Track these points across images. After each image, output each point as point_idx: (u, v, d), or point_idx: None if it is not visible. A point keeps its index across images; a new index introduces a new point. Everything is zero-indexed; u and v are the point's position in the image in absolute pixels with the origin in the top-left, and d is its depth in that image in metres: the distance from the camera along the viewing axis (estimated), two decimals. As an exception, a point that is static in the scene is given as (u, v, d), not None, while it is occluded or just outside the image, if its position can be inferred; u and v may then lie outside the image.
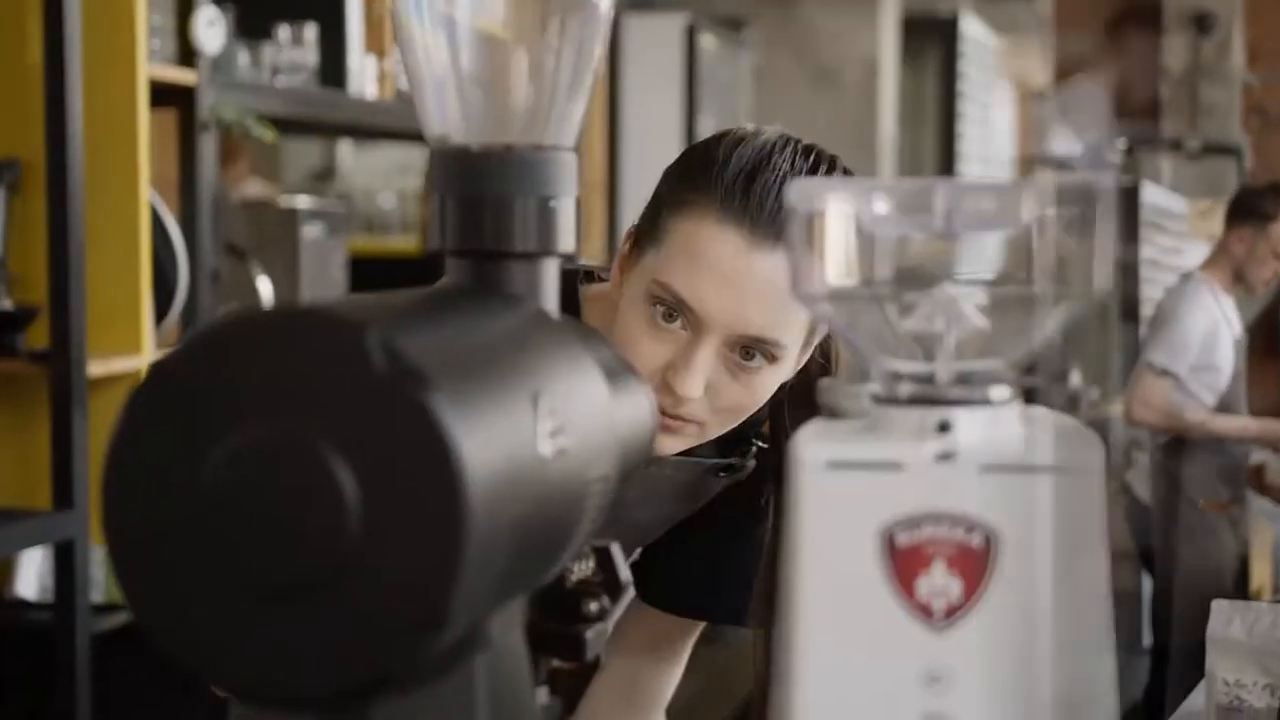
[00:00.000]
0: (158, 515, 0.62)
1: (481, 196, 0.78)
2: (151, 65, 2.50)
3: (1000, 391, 0.69)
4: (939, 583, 0.66)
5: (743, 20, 6.24)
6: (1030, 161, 9.31)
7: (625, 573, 0.87)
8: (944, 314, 0.70)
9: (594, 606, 0.83)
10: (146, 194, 2.44)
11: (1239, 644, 1.87)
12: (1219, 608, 1.91)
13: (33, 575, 2.49)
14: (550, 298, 0.79)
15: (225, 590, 0.61)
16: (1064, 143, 4.48)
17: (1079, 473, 0.66)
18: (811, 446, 0.68)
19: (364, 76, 3.12)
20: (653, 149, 4.23)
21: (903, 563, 0.66)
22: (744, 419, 1.30)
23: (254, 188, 4.02)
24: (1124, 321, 6.82)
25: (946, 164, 7.15)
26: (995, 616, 0.66)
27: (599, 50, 0.82)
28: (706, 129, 6.02)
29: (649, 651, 1.50)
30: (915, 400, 0.69)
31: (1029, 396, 0.71)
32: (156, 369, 0.62)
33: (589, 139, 4.34)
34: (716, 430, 1.30)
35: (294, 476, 0.59)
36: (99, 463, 2.01)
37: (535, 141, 0.80)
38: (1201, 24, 9.30)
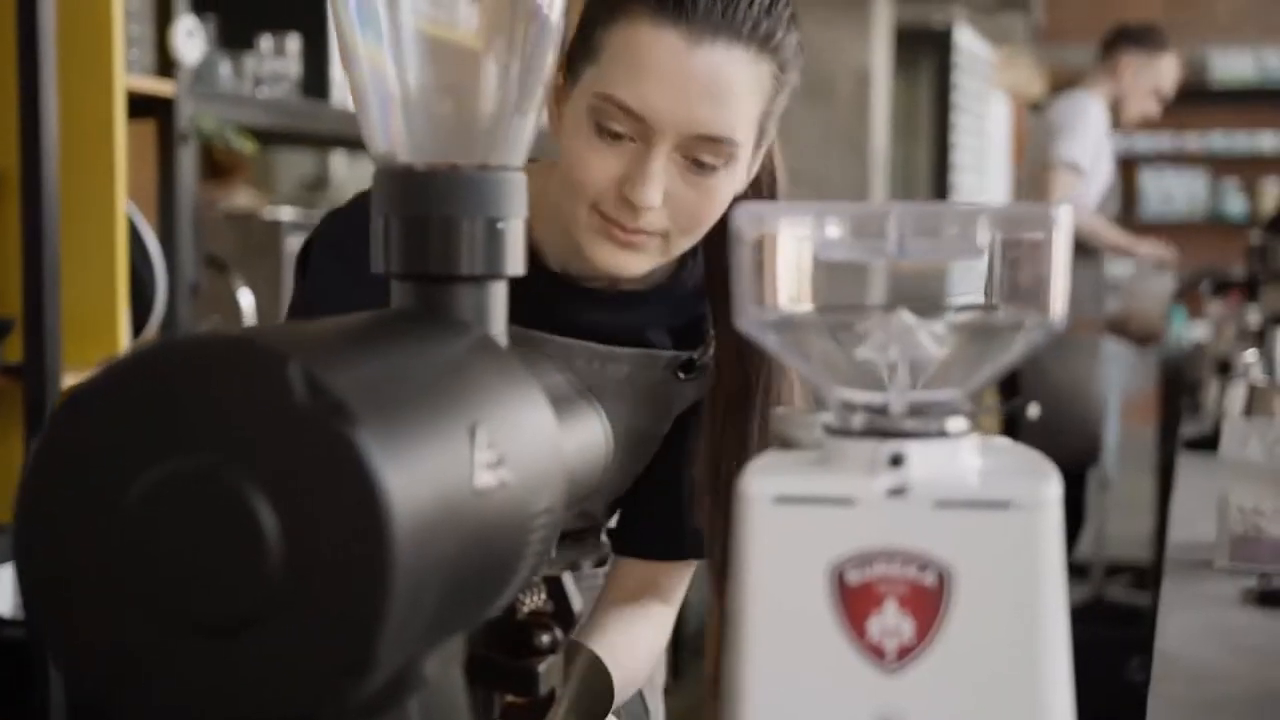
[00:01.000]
0: (74, 546, 0.59)
1: (427, 217, 0.75)
2: (130, 76, 2.47)
3: (956, 423, 0.67)
4: (891, 622, 0.64)
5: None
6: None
7: (578, 602, 0.85)
8: (898, 343, 0.67)
9: (546, 639, 0.81)
10: (124, 205, 2.41)
11: (1256, 466, 1.76)
12: (1233, 426, 1.80)
13: (7, 590, 2.47)
14: (498, 321, 0.77)
15: (143, 626, 0.58)
16: None
17: (1035, 508, 0.64)
18: (759, 480, 0.65)
19: (347, 87, 3.09)
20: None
21: (853, 602, 0.64)
22: (703, 230, 1.28)
23: (244, 198, 4.00)
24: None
25: (940, 175, 7.12)
26: (949, 658, 0.64)
27: (549, 64, 0.80)
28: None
29: (633, 601, 1.44)
30: (868, 432, 0.66)
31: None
32: (76, 395, 0.59)
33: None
34: (681, 244, 1.27)
35: (213, 511, 0.57)
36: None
37: (482, 161, 0.77)
38: None
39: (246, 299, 2.86)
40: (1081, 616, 5.15)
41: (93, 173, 2.38)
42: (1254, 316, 3.97)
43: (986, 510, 0.64)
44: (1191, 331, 5.87)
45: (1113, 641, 4.24)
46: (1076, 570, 5.32)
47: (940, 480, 0.65)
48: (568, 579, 0.83)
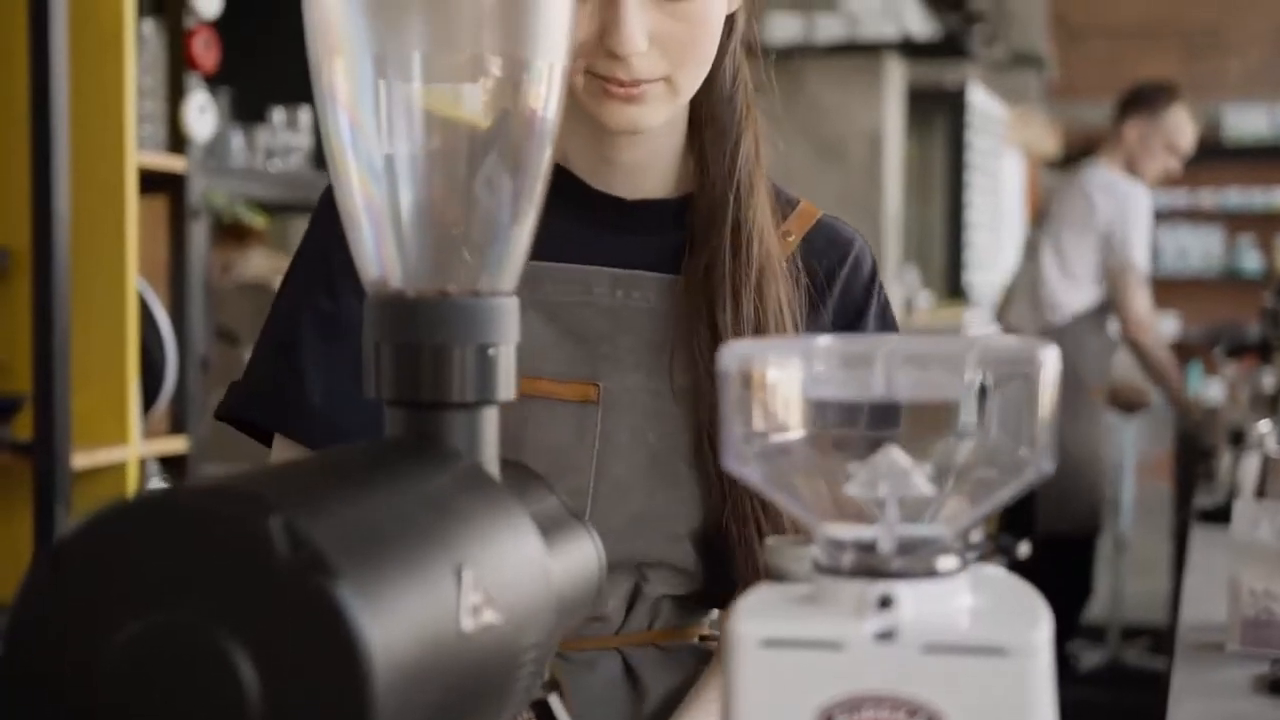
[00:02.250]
0: (55, 700, 0.59)
1: (418, 344, 0.75)
2: (142, 153, 2.48)
3: (947, 561, 0.66)
4: (880, 768, 0.63)
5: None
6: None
7: (568, 722, 0.84)
8: (887, 480, 0.67)
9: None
10: (135, 282, 2.42)
11: (1267, 548, 1.74)
12: (1242, 508, 1.78)
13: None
14: (489, 447, 0.77)
15: (126, 780, 0.58)
16: None
17: (1026, 654, 0.63)
18: (748, 623, 0.65)
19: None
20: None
21: (842, 746, 0.63)
22: (708, 62, 1.20)
23: (259, 261, 4.01)
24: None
25: (954, 234, 7.13)
26: (939, 804, 0.63)
27: (539, 187, 0.80)
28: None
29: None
30: (857, 571, 0.66)
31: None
32: (58, 547, 0.59)
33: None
34: (687, 83, 1.20)
35: (193, 667, 0.57)
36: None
37: (474, 287, 0.77)
38: None
39: (257, 371, 2.86)
40: (1098, 681, 5.10)
41: (104, 250, 2.39)
42: (1269, 379, 3.95)
43: (977, 655, 0.63)
44: (1207, 390, 5.86)
45: (1129, 707, 4.20)
46: (1093, 633, 5.29)
47: (930, 623, 0.64)
48: (555, 701, 0.82)
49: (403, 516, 0.65)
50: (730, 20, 1.26)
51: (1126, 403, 4.94)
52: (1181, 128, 4.42)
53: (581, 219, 1.27)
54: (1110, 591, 5.38)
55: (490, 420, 0.77)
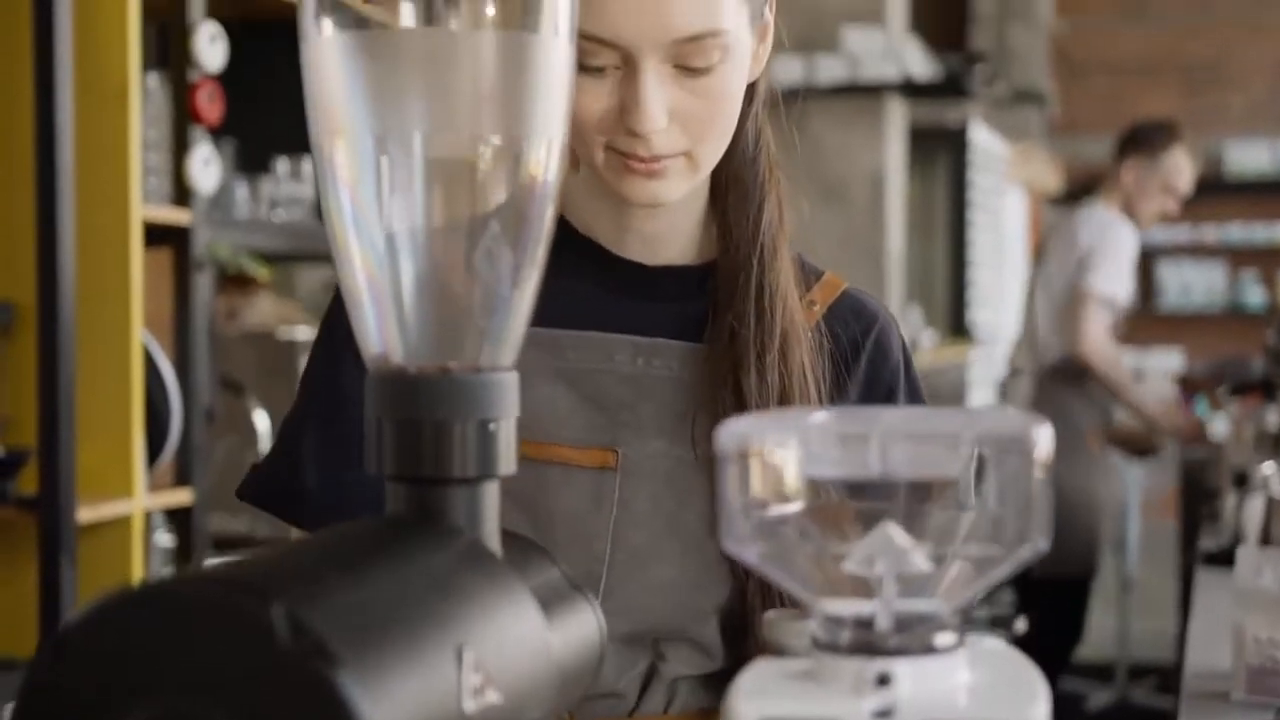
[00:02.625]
0: (61, 788, 0.59)
1: (419, 421, 0.76)
2: (147, 206, 2.50)
3: (944, 638, 0.67)
4: (880, 846, 0.63)
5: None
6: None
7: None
8: (884, 557, 0.67)
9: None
10: (139, 336, 2.43)
11: (1271, 595, 1.73)
12: (1246, 555, 1.77)
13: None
14: (490, 521, 0.77)
15: None
16: None
17: (1023, 731, 0.63)
18: (747, 701, 0.65)
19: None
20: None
21: (842, 825, 0.64)
22: (729, 135, 1.19)
23: (265, 306, 4.02)
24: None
25: (957, 272, 7.14)
26: None
27: (539, 260, 0.80)
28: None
29: None
30: (855, 649, 0.66)
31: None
32: (61, 635, 0.60)
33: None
34: (708, 157, 1.18)
35: (197, 755, 0.57)
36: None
37: (475, 362, 0.78)
38: None
39: (262, 421, 2.88)
40: (1106, 721, 5.06)
41: (109, 304, 2.40)
42: (1273, 417, 3.95)
43: (973, 733, 0.63)
44: (1212, 424, 5.85)
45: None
46: (1100, 672, 5.28)
47: (928, 700, 0.64)
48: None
49: (403, 598, 0.66)
50: (753, 85, 1.25)
51: (1131, 447, 4.93)
52: (1179, 169, 4.42)
53: (603, 286, 1.26)
54: (1116, 631, 5.37)
55: (491, 494, 0.78)
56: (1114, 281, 4.29)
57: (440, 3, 0.78)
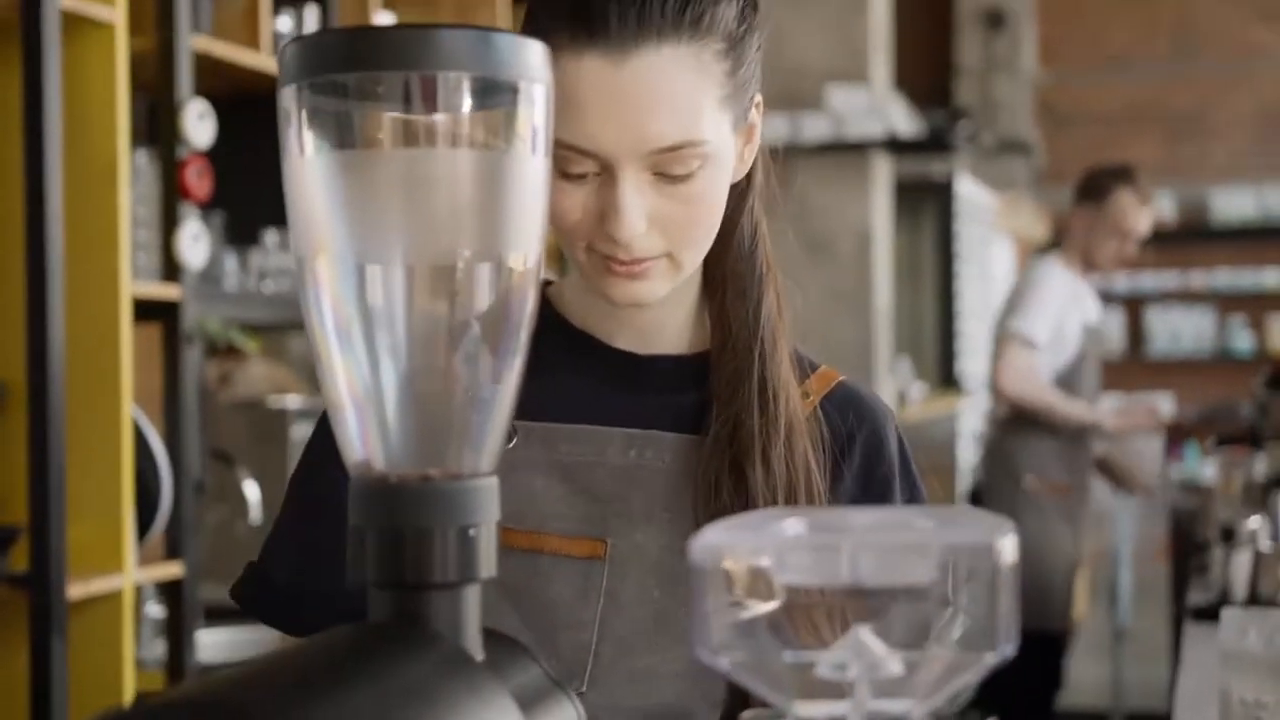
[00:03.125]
0: None
1: (401, 528, 0.77)
2: (136, 282, 2.52)
3: (916, 740, 0.68)
4: None
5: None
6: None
7: None
8: (857, 661, 0.69)
9: None
10: (129, 412, 2.45)
11: (1256, 657, 1.73)
12: (1230, 617, 1.76)
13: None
14: (471, 624, 0.79)
15: None
16: None
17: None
18: (722, 809, 0.67)
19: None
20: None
21: None
22: (710, 237, 1.18)
23: (257, 372, 4.04)
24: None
25: (945, 323, 7.17)
26: None
27: (518, 365, 0.82)
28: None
29: None
30: (828, 754, 0.68)
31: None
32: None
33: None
34: (690, 259, 1.18)
35: None
36: (79, 687, 1.97)
37: (455, 469, 0.80)
38: (994, 21, 9.41)
39: (253, 491, 2.89)
40: (1103, 769, 5.05)
41: (99, 380, 2.42)
42: (1260, 468, 3.96)
43: (944, 839, 0.65)
44: (1203, 470, 5.85)
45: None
46: (1095, 721, 5.28)
47: (900, 805, 0.66)
48: None
49: (384, 711, 0.67)
50: (749, 178, 1.26)
51: (1121, 482, 4.93)
52: (1126, 210, 4.37)
53: (597, 377, 1.27)
54: (1111, 679, 5.37)
55: (472, 598, 0.79)
56: (1035, 323, 4.26)
57: (419, 123, 0.80)
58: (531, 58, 0.79)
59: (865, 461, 1.28)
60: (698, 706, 1.23)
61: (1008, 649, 0.68)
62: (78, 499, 2.37)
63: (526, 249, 0.81)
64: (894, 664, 0.69)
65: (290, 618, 1.28)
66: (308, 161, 0.79)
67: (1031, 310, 4.27)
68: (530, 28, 1.16)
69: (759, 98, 1.24)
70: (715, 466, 1.22)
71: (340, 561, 0.82)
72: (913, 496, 1.30)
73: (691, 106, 1.14)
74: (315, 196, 0.79)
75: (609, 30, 1.11)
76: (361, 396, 0.80)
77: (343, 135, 0.80)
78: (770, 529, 0.70)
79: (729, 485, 1.21)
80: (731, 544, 0.69)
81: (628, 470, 1.24)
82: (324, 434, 1.28)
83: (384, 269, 0.79)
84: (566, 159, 1.14)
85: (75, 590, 2.34)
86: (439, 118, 0.79)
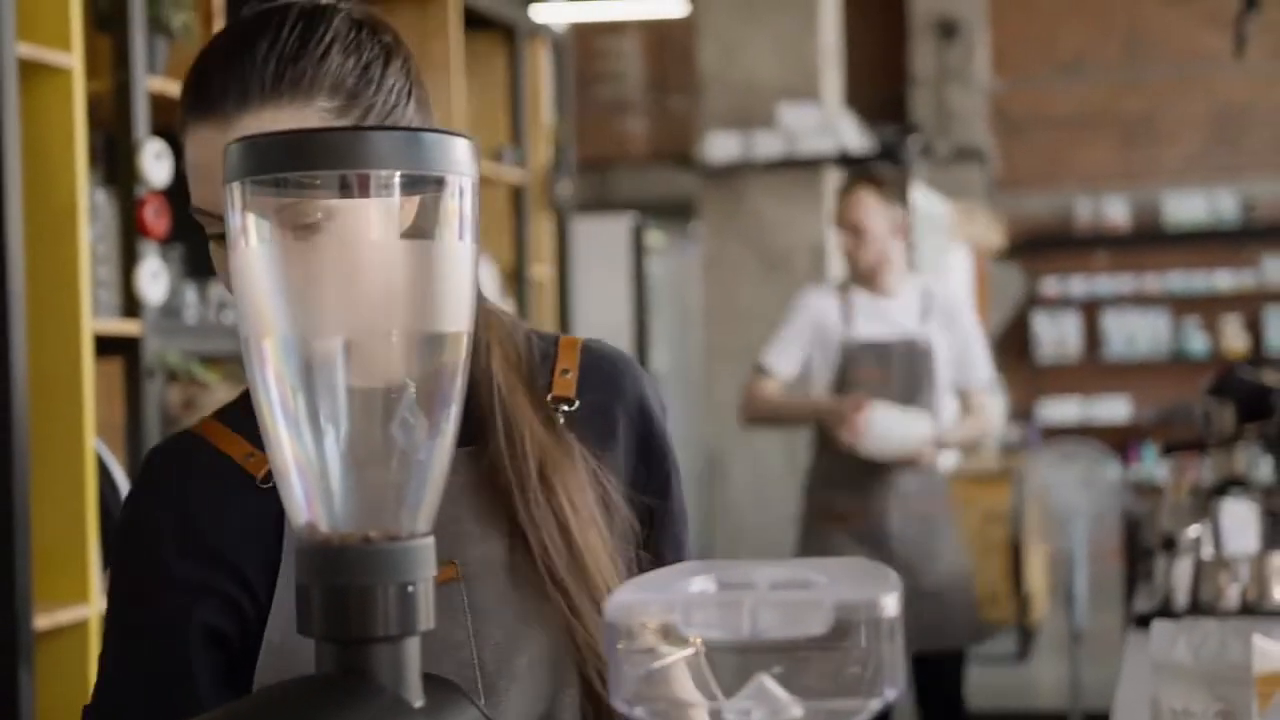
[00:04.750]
0: None
1: (345, 587, 0.84)
2: (97, 319, 2.57)
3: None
4: None
5: (691, 212, 6.43)
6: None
7: None
8: (759, 706, 0.76)
9: None
10: (92, 445, 2.50)
11: (1185, 668, 1.77)
12: (1161, 628, 1.82)
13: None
14: (412, 674, 0.85)
15: None
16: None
17: None
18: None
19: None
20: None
21: None
22: None
23: (221, 396, 4.07)
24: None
25: (903, 332, 7.24)
26: None
27: (451, 431, 0.89)
28: (658, 320, 6.15)
29: None
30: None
31: None
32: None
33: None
34: None
35: None
36: (46, 718, 2.01)
37: (395, 529, 0.86)
38: (946, 30, 9.52)
39: (215, 519, 2.93)
40: (1059, 773, 5.10)
41: (61, 415, 2.47)
42: (1208, 475, 4.03)
43: None
44: (1158, 471, 5.93)
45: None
46: (1054, 721, 5.36)
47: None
48: None
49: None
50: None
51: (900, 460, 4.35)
52: (842, 207, 4.15)
53: None
54: (1069, 682, 5.46)
55: (412, 649, 0.86)
56: (773, 352, 4.14)
57: (354, 215, 0.87)
58: (457, 153, 0.86)
59: (634, 426, 1.35)
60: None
61: (890, 694, 0.75)
62: (42, 531, 2.42)
63: (458, 321, 0.88)
64: (794, 709, 0.76)
65: None
66: (252, 250, 0.85)
67: (776, 340, 4.16)
68: (176, 115, 1.23)
69: None
70: (491, 499, 1.29)
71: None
72: (664, 448, 1.36)
73: None
74: (260, 282, 0.86)
75: (214, 101, 1.19)
76: (305, 464, 0.87)
77: (283, 227, 0.87)
78: (678, 590, 0.76)
79: (509, 515, 1.28)
80: (641, 605, 0.76)
81: (449, 493, 1.30)
82: (147, 509, 1.28)
83: (324, 347, 0.86)
84: (207, 223, 1.22)
85: (41, 621, 2.39)
86: (372, 210, 0.86)
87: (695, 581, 0.78)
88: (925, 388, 4.11)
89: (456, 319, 0.87)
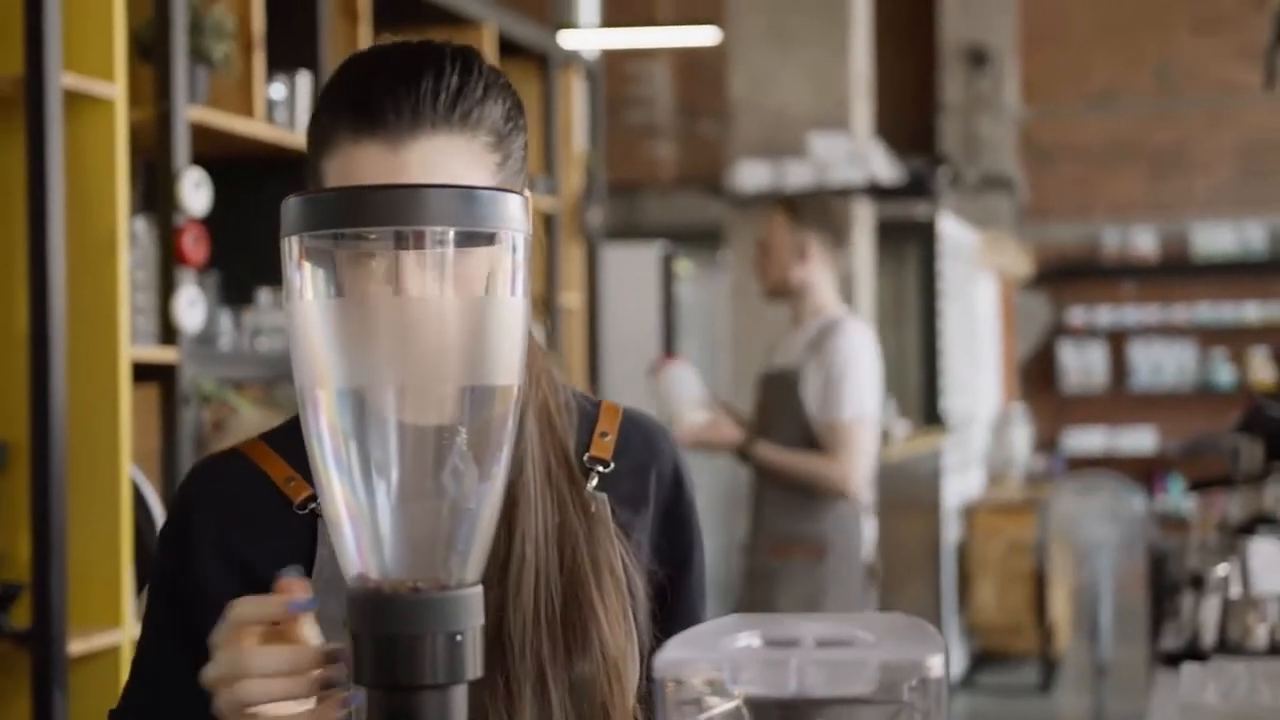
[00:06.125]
0: None
1: (394, 636, 0.86)
2: (135, 346, 2.60)
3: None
4: None
5: (719, 239, 6.43)
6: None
7: None
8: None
9: None
10: (128, 471, 2.52)
11: (1214, 710, 1.80)
12: (1190, 671, 1.82)
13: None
14: (459, 720, 0.87)
15: None
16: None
17: None
18: None
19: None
20: (635, 373, 4.32)
21: None
22: None
23: (251, 417, 4.09)
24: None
25: (929, 361, 7.25)
26: None
27: (501, 479, 0.90)
28: (687, 347, 6.16)
29: None
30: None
31: None
32: None
33: (570, 368, 4.44)
34: None
35: None
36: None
37: (444, 580, 0.88)
38: (976, 59, 9.49)
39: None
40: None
41: (98, 441, 2.50)
42: (1235, 511, 4.01)
43: None
44: (1185, 503, 5.88)
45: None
46: (1080, 759, 5.34)
47: None
48: None
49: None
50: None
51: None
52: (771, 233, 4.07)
53: None
54: (1093, 715, 5.44)
55: (460, 697, 0.88)
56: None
57: (409, 271, 0.89)
58: (510, 209, 0.88)
59: (664, 493, 1.35)
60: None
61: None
62: (78, 556, 2.45)
63: (509, 375, 0.89)
64: (836, 763, 0.77)
65: None
66: (307, 304, 0.87)
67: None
68: (316, 125, 1.23)
69: (529, 193, 1.32)
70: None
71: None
72: (689, 521, 1.36)
73: (477, 180, 1.19)
74: (315, 335, 0.88)
75: (387, 120, 1.18)
76: (357, 512, 0.88)
77: (339, 281, 0.89)
78: (726, 647, 0.78)
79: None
80: (690, 662, 0.78)
81: None
82: (185, 516, 1.29)
83: (377, 398, 0.88)
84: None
85: (76, 646, 2.41)
86: (427, 264, 0.88)
87: (741, 637, 0.80)
88: (787, 417, 3.96)
89: (508, 372, 0.89)
